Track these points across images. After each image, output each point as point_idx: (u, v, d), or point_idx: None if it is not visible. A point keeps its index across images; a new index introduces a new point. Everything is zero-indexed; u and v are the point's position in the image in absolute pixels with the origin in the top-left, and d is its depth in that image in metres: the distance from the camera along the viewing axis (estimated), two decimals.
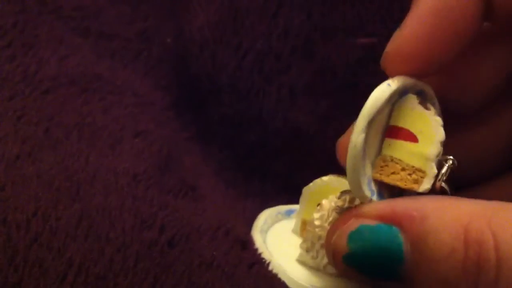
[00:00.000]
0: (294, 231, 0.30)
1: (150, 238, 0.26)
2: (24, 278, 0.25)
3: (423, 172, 0.25)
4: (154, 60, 0.35)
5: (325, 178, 0.29)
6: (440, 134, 0.25)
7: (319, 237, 0.27)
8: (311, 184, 0.29)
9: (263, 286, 0.26)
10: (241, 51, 0.35)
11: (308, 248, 0.28)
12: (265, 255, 0.28)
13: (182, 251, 0.26)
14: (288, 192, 0.33)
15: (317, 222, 0.27)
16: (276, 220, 0.31)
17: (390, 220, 0.23)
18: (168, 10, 0.36)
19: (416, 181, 0.25)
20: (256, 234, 0.29)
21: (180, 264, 0.26)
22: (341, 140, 0.28)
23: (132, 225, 0.26)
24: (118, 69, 0.33)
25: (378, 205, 0.24)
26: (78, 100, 0.31)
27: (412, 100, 0.25)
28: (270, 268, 0.27)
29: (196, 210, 0.28)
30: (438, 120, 0.25)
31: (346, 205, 0.26)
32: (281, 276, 0.27)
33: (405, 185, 0.25)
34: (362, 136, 0.24)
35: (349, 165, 0.24)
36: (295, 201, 0.31)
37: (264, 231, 0.30)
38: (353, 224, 0.24)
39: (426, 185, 0.25)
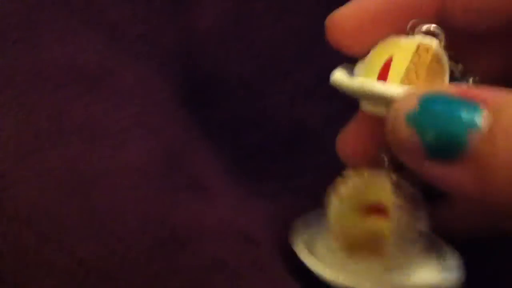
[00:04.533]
0: (331, 246, 0.28)
1: (160, 238, 0.26)
2: (32, 277, 0.25)
3: None
4: (164, 58, 0.34)
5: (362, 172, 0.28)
6: None
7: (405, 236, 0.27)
8: (341, 185, 0.27)
9: (273, 287, 0.26)
10: (245, 54, 0.35)
11: (398, 251, 0.27)
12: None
13: (190, 250, 0.26)
14: (294, 192, 0.32)
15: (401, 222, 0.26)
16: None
17: (475, 96, 0.22)
18: (178, 8, 0.36)
19: None
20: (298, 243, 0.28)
21: (190, 263, 0.26)
22: (341, 136, 0.29)
23: (142, 224, 0.26)
24: (128, 66, 0.33)
25: (460, 86, 0.24)
26: (86, 96, 0.30)
27: None
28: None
29: (205, 209, 0.28)
30: None
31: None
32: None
33: None
34: None
35: None
36: (302, 200, 0.31)
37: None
38: (430, 91, 0.23)
39: None
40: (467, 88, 0.23)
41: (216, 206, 0.29)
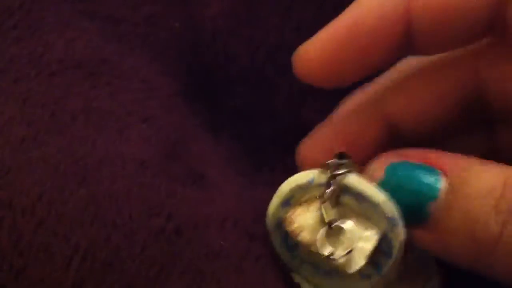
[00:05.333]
0: None
1: (157, 226, 0.26)
2: (29, 263, 0.25)
3: None
4: (162, 45, 0.34)
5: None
6: None
7: None
8: None
9: (270, 277, 0.26)
10: (254, 44, 0.35)
11: None
12: None
13: (189, 239, 0.26)
14: None
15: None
16: None
17: (435, 163, 0.24)
18: None
19: None
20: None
21: (187, 252, 0.26)
22: (306, 143, 0.29)
23: (139, 212, 0.26)
24: (125, 53, 0.33)
25: (425, 151, 0.25)
26: (84, 84, 0.30)
27: None
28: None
29: (204, 199, 0.28)
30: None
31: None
32: None
33: None
34: None
35: None
36: None
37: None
38: (396, 157, 0.25)
39: None
40: (428, 153, 0.24)
41: (213, 195, 0.29)
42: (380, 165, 0.25)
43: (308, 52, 0.27)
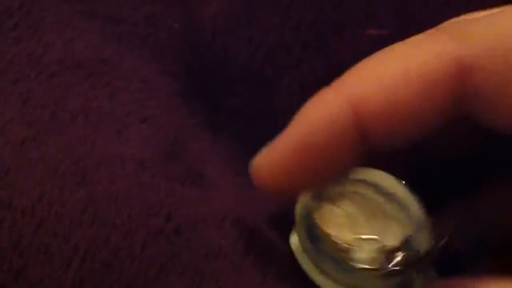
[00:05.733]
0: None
1: (156, 226, 0.26)
2: (28, 264, 0.25)
3: None
4: (162, 45, 0.34)
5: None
6: None
7: None
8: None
9: (270, 276, 0.26)
10: (253, 43, 0.35)
11: None
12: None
13: (188, 239, 0.26)
14: None
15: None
16: None
17: None
18: None
19: None
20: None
21: (186, 252, 0.26)
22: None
23: (138, 212, 0.26)
24: (125, 53, 0.33)
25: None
26: (84, 84, 0.30)
27: None
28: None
29: (203, 198, 0.28)
30: None
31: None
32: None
33: None
34: None
35: None
36: None
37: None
38: None
39: None
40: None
41: (213, 195, 0.29)
42: None
43: (261, 166, 0.25)
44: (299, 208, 0.27)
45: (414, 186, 0.27)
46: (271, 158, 0.25)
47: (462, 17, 0.26)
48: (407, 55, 0.24)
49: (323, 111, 0.24)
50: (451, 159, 0.27)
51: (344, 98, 0.24)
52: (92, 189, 0.26)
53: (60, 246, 0.25)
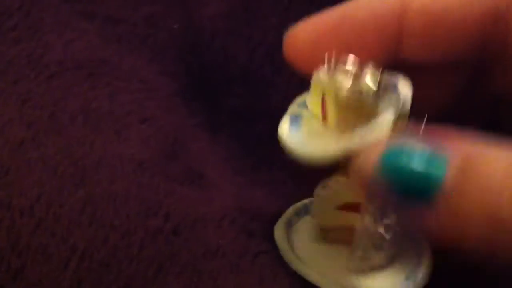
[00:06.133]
0: (311, 236, 0.28)
1: (154, 226, 0.26)
2: (27, 264, 0.25)
3: None
4: (161, 46, 0.34)
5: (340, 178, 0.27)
6: None
7: (373, 242, 0.26)
8: (322, 188, 0.28)
9: (268, 275, 0.26)
10: (252, 43, 0.35)
11: (361, 256, 0.27)
12: (284, 251, 0.27)
13: (187, 239, 0.26)
14: (297, 182, 0.32)
15: (368, 229, 0.26)
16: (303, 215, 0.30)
17: (441, 143, 0.22)
18: None
19: None
20: (279, 228, 0.28)
21: (184, 252, 0.26)
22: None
23: (137, 212, 0.26)
24: (124, 54, 0.33)
25: (429, 129, 0.23)
26: (83, 85, 0.30)
27: None
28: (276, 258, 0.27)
29: (202, 198, 0.28)
30: None
31: None
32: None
33: None
34: None
35: None
36: (302, 190, 0.30)
37: (290, 226, 0.29)
38: (396, 142, 0.23)
39: None
40: (436, 133, 0.23)
41: (212, 194, 0.29)
42: (378, 148, 0.23)
43: (297, 35, 0.26)
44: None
45: None
46: (312, 24, 0.26)
47: None
48: None
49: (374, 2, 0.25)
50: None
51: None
52: (91, 190, 0.26)
53: (59, 246, 0.25)
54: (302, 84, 0.35)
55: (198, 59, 0.35)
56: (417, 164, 0.22)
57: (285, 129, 0.27)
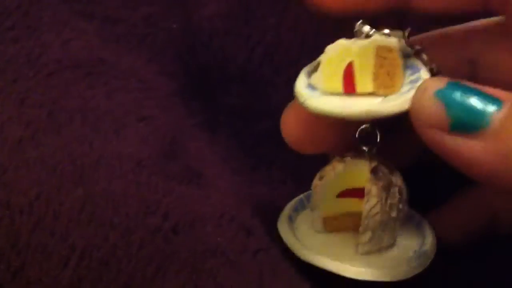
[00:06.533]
0: (315, 228, 0.29)
1: (154, 224, 0.26)
2: (26, 262, 0.25)
3: None
4: (159, 46, 0.34)
5: (336, 165, 0.28)
6: None
7: (380, 223, 0.27)
8: (319, 179, 0.28)
9: (267, 273, 0.26)
10: (251, 43, 0.35)
11: (370, 238, 0.27)
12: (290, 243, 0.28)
13: (186, 237, 0.26)
14: (295, 180, 0.32)
15: (374, 210, 0.26)
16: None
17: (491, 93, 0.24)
18: None
19: None
20: (282, 224, 0.29)
21: (184, 250, 0.26)
22: (285, 115, 0.29)
23: (136, 211, 0.26)
24: (123, 53, 0.33)
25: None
26: (82, 84, 0.30)
27: None
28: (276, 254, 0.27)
29: (201, 197, 0.28)
30: None
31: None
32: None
33: None
34: None
35: None
36: (301, 189, 0.31)
37: (291, 222, 0.29)
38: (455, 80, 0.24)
39: None
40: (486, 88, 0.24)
41: (210, 193, 0.29)
42: (442, 79, 0.24)
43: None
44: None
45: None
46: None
47: None
48: None
49: None
50: None
51: None
52: (89, 188, 0.26)
53: (58, 244, 0.25)
54: None
55: (196, 59, 0.35)
56: (474, 98, 0.23)
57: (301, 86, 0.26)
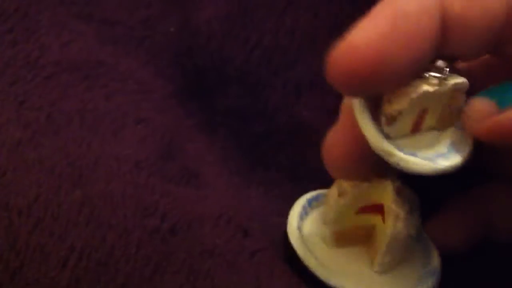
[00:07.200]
0: (327, 243, 0.28)
1: (151, 225, 0.26)
2: (25, 263, 0.25)
3: None
4: (157, 48, 0.35)
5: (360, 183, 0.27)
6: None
7: (403, 243, 0.27)
8: (339, 196, 0.28)
9: (264, 274, 0.26)
10: (248, 46, 0.35)
11: (390, 258, 0.27)
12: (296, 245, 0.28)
13: (183, 238, 0.26)
14: (292, 182, 0.33)
15: (400, 233, 0.26)
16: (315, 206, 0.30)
17: None
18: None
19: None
20: (293, 235, 0.28)
21: (181, 251, 0.26)
22: (327, 144, 0.27)
23: (133, 212, 0.26)
24: (121, 56, 0.33)
25: None
26: (80, 86, 0.30)
27: None
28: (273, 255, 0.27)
29: (198, 198, 0.28)
30: None
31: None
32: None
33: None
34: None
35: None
36: (298, 190, 0.31)
37: (301, 232, 0.29)
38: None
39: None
40: None
41: (208, 194, 0.29)
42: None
43: (354, 44, 0.23)
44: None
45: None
46: (365, 35, 0.23)
47: None
48: None
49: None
50: None
51: None
52: (88, 190, 0.27)
53: (56, 245, 0.25)
54: (297, 85, 0.35)
55: (194, 61, 0.36)
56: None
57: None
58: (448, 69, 0.25)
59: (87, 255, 0.25)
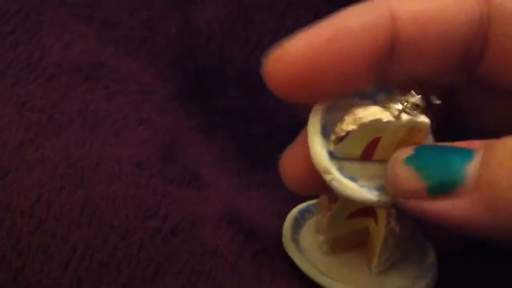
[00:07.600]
0: (322, 250, 0.28)
1: (153, 226, 0.26)
2: (27, 264, 0.25)
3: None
4: (158, 49, 0.35)
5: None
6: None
7: (398, 242, 0.27)
8: (332, 203, 0.27)
9: (266, 275, 0.26)
10: (249, 46, 0.35)
11: (386, 258, 0.27)
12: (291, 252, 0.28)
13: (185, 239, 0.26)
14: None
15: (394, 232, 0.26)
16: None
17: (464, 145, 0.23)
18: (172, 0, 0.36)
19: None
20: (289, 244, 0.28)
21: (183, 252, 0.26)
22: (284, 159, 0.27)
23: (135, 213, 0.26)
24: (122, 57, 0.33)
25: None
26: (81, 87, 0.30)
27: None
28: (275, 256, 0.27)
29: (199, 199, 0.28)
30: None
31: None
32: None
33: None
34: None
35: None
36: None
37: (296, 241, 0.29)
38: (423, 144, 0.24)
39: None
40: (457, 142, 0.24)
41: (209, 195, 0.29)
42: (408, 148, 0.24)
43: (289, 51, 0.24)
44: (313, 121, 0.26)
45: None
46: (305, 39, 0.24)
47: None
48: None
49: (364, 12, 0.24)
50: None
51: (387, 8, 0.24)
52: (90, 191, 0.27)
53: (59, 246, 0.25)
54: None
55: (194, 62, 0.36)
56: (443, 154, 0.23)
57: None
58: (408, 104, 0.24)
59: (89, 256, 0.25)
